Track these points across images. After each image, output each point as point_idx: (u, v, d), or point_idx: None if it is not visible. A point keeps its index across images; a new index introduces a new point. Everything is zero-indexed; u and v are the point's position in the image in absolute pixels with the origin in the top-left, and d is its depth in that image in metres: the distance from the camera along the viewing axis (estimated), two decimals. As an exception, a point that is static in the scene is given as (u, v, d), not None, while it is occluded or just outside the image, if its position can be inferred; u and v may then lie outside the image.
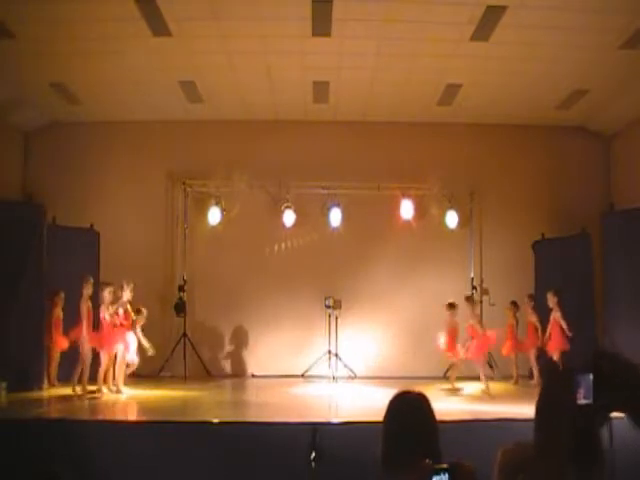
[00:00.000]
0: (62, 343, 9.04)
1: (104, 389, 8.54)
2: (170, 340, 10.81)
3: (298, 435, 5.65)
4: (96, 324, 8.71)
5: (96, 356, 8.61)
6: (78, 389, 8.46)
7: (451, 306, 9.63)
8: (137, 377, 9.45)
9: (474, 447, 3.69)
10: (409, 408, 2.47)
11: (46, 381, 8.91)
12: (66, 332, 9.00)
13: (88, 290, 8.75)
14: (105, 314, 8.59)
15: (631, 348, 8.51)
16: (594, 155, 11.58)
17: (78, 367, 8.53)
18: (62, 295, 9.27)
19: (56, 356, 9.19)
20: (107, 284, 8.85)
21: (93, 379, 8.57)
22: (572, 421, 1.74)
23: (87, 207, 10.95)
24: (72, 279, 9.02)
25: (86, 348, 8.54)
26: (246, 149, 11.14)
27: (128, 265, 10.38)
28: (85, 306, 8.67)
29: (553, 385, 1.89)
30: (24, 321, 8.61)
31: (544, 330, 9.80)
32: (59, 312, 9.25)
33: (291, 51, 8.74)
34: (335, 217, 10.91)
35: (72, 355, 8.83)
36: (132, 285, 8.84)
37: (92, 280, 8.89)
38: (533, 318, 10.01)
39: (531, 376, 10.04)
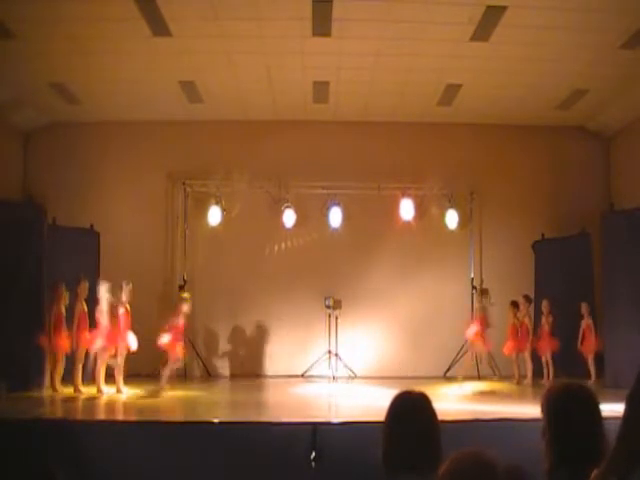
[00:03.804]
0: (65, 345, 8.63)
1: (104, 389, 8.53)
2: (170, 340, 10.80)
3: (298, 435, 5.64)
4: (94, 324, 8.71)
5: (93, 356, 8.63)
6: (82, 389, 8.53)
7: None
8: (137, 377, 9.44)
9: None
10: (411, 408, 2.47)
11: (49, 383, 8.83)
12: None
13: (82, 292, 8.76)
14: (101, 314, 8.61)
15: (631, 348, 8.50)
16: (594, 155, 11.58)
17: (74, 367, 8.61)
18: (65, 293, 8.71)
19: (61, 358, 8.72)
20: (102, 285, 8.85)
21: (92, 379, 8.59)
22: None
23: (87, 207, 10.95)
24: (72, 279, 8.98)
25: (79, 349, 8.61)
26: (246, 149, 11.14)
27: (128, 265, 10.38)
28: (78, 307, 8.67)
29: None
30: (24, 321, 8.59)
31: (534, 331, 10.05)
32: (61, 310, 8.73)
33: (291, 51, 8.72)
34: (335, 217, 10.90)
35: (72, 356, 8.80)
36: (131, 285, 8.86)
37: (87, 282, 8.92)
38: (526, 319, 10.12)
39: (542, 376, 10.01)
